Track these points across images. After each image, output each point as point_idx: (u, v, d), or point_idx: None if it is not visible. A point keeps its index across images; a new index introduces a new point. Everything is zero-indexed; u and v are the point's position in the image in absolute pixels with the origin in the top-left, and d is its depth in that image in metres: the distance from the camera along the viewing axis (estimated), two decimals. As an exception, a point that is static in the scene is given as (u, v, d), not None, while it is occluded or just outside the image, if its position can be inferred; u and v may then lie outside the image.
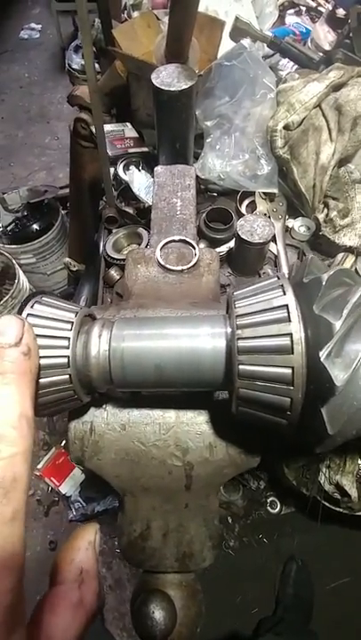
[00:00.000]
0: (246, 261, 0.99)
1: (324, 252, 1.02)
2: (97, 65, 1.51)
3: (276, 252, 1.03)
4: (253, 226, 0.92)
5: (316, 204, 0.98)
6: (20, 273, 2.03)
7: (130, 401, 0.44)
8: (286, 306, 0.32)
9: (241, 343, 0.33)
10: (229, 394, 0.36)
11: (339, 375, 0.30)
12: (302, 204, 1.03)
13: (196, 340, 0.37)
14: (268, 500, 1.96)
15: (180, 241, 0.74)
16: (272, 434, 0.38)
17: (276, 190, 1.06)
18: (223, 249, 1.04)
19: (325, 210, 0.97)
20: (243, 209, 1.12)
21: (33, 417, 0.28)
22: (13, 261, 2.02)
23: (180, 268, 0.68)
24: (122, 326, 0.38)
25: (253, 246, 0.92)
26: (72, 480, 1.96)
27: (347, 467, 1.50)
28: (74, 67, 2.94)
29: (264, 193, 1.09)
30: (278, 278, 0.36)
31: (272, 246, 1.04)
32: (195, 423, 0.43)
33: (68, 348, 0.36)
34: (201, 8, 1.27)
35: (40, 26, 4.13)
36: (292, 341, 0.31)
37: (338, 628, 1.64)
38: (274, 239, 1.04)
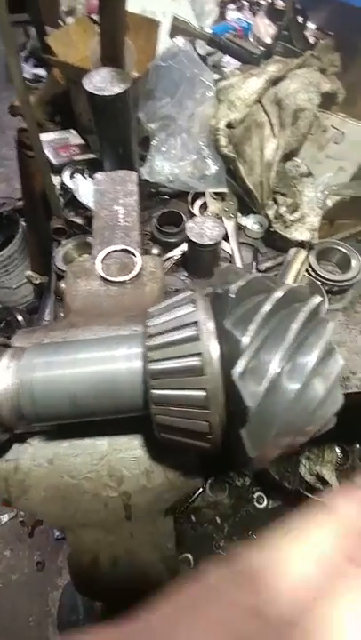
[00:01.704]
0: (200, 263, 0.97)
1: (279, 248, 1.01)
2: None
3: (230, 252, 1.01)
4: (203, 227, 0.90)
5: (265, 200, 0.97)
6: (-18, 290, 1.95)
7: (57, 432, 0.41)
8: (197, 322, 0.30)
9: (152, 366, 0.30)
10: (152, 419, 0.34)
11: (253, 394, 0.28)
12: (253, 202, 1.02)
13: (112, 363, 0.34)
14: (255, 496, 1.96)
15: (122, 250, 0.71)
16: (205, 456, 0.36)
17: (225, 189, 1.05)
18: (177, 252, 1.02)
19: (275, 206, 0.96)
20: (195, 210, 1.10)
21: None
22: (-26, 279, 1.94)
23: (121, 279, 0.66)
24: (32, 355, 0.35)
25: (204, 248, 0.90)
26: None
27: (325, 456, 1.51)
28: (25, 76, 2.86)
29: (215, 193, 1.07)
30: (193, 291, 0.34)
31: (226, 246, 1.02)
32: (129, 449, 0.40)
33: (-31, 387, 0.32)
34: (137, 9, 1.25)
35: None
36: (202, 362, 0.29)
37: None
38: (227, 238, 1.02)
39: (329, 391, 0.29)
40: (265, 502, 1.94)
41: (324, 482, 1.49)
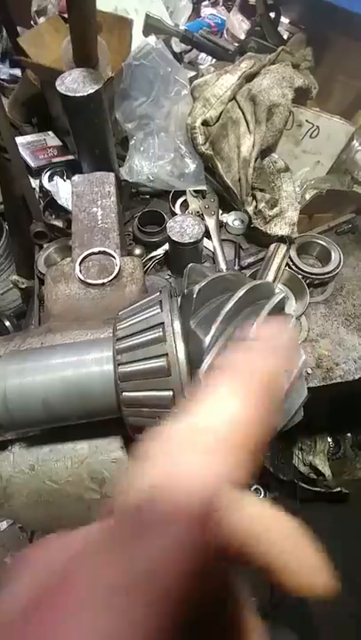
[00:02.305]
0: (183, 262, 0.97)
1: (260, 243, 1.02)
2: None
3: (212, 249, 1.02)
4: (183, 226, 0.91)
5: (244, 197, 0.98)
6: (-32, 297, 1.93)
7: (38, 438, 0.41)
8: (162, 324, 0.31)
9: (121, 369, 0.31)
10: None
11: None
12: (232, 199, 1.02)
13: (83, 367, 0.34)
14: (252, 489, 1.98)
15: (101, 252, 0.71)
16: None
17: (204, 187, 1.05)
18: (160, 252, 1.02)
19: (254, 202, 0.97)
20: (177, 209, 1.10)
21: None
22: None
23: (101, 281, 0.66)
24: (5, 362, 0.35)
25: (186, 246, 0.90)
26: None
27: (317, 447, 1.53)
28: (1, 77, 2.82)
29: (195, 191, 1.07)
30: (160, 292, 0.35)
31: (208, 243, 1.02)
32: (109, 451, 0.41)
33: None
34: (110, 8, 1.24)
35: None
36: (168, 362, 0.29)
37: (329, 605, 1.68)
38: (209, 236, 1.03)
39: (293, 385, 0.30)
40: (262, 494, 1.96)
41: (318, 472, 1.51)
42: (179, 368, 0.29)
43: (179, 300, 0.36)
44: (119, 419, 0.42)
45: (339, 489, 1.51)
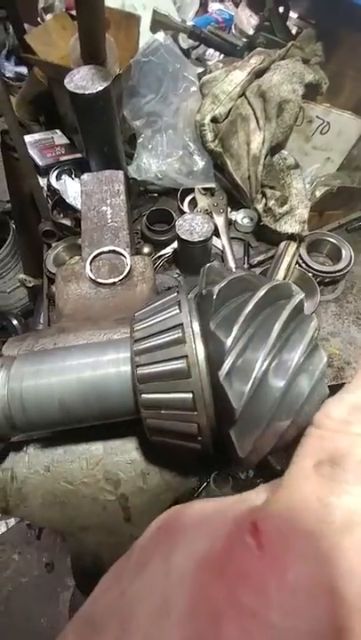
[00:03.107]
0: (191, 260, 0.96)
1: (270, 241, 1.01)
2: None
3: (221, 247, 1.01)
4: (192, 224, 0.90)
5: (253, 194, 0.97)
6: (-24, 295, 1.94)
7: (52, 439, 0.41)
8: (181, 325, 0.30)
9: (139, 371, 0.30)
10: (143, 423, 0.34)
11: (238, 395, 0.28)
12: (242, 196, 1.01)
13: (100, 368, 0.34)
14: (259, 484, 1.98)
15: (111, 252, 0.71)
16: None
17: (213, 185, 1.04)
18: (168, 250, 1.02)
19: (264, 199, 0.96)
20: (185, 207, 1.09)
21: None
22: (-33, 284, 1.93)
23: (111, 280, 0.66)
24: (21, 364, 0.35)
25: (195, 245, 0.89)
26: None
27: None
28: (7, 75, 2.82)
29: (203, 188, 1.06)
30: (178, 293, 0.34)
31: (217, 241, 1.02)
32: (124, 452, 0.41)
33: None
34: (117, 4, 1.23)
35: (-31, 34, 3.93)
36: (188, 364, 0.29)
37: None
38: (218, 234, 1.02)
39: (314, 387, 0.29)
40: (268, 493, 1.97)
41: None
42: (199, 370, 0.29)
43: (195, 298, 0.36)
44: (134, 420, 0.42)
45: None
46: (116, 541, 0.43)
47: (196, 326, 0.31)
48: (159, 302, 0.34)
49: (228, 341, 0.27)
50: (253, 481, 2.21)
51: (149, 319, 0.33)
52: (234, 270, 0.96)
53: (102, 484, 0.40)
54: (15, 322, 1.93)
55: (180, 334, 0.30)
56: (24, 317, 2.02)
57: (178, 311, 0.31)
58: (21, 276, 1.84)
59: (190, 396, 0.29)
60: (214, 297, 0.29)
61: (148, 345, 0.31)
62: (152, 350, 0.31)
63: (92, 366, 0.34)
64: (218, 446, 0.35)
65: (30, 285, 1.79)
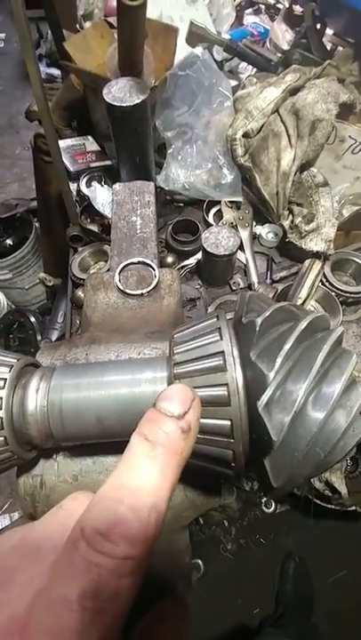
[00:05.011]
0: (215, 273, 0.97)
1: (294, 258, 1.01)
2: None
3: (245, 261, 1.02)
4: (218, 237, 0.91)
5: (280, 210, 0.97)
6: (-4, 290, 1.99)
7: (81, 449, 0.42)
8: (223, 352, 0.31)
9: (179, 394, 0.31)
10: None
11: (278, 426, 0.28)
12: (268, 212, 1.02)
13: (137, 386, 0.35)
14: (263, 500, 1.97)
15: (140, 262, 0.72)
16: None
17: (240, 198, 1.05)
18: (192, 261, 1.03)
19: (290, 216, 0.96)
20: (210, 218, 1.10)
21: (165, 513, 0.22)
22: (-12, 279, 1.98)
23: (139, 291, 0.67)
24: (61, 376, 0.36)
25: (220, 258, 0.90)
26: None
27: (335, 464, 1.50)
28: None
29: (230, 201, 1.07)
30: (217, 319, 0.35)
31: (241, 255, 1.02)
32: (150, 467, 0.42)
33: (0, 408, 0.34)
34: (155, 15, 1.25)
35: (4, 35, 4.03)
36: (228, 392, 0.30)
37: (338, 621, 1.66)
38: (242, 247, 1.02)
39: (351, 423, 0.30)
40: (273, 507, 1.95)
41: (334, 489, 1.49)
42: (239, 398, 0.29)
43: (232, 322, 0.36)
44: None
45: (354, 507, 1.48)
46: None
47: (237, 355, 0.31)
48: (199, 326, 0.35)
49: (271, 375, 0.28)
50: (258, 493, 2.18)
51: (189, 343, 0.33)
52: (256, 285, 0.97)
53: (128, 498, 0.41)
54: (33, 319, 1.97)
55: (222, 362, 0.31)
56: (41, 315, 2.05)
57: (218, 338, 0.32)
58: (42, 274, 1.88)
59: (229, 423, 0.30)
60: (257, 329, 0.30)
61: (188, 369, 0.32)
62: (192, 375, 0.31)
63: (130, 384, 0.35)
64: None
65: (50, 284, 1.82)
